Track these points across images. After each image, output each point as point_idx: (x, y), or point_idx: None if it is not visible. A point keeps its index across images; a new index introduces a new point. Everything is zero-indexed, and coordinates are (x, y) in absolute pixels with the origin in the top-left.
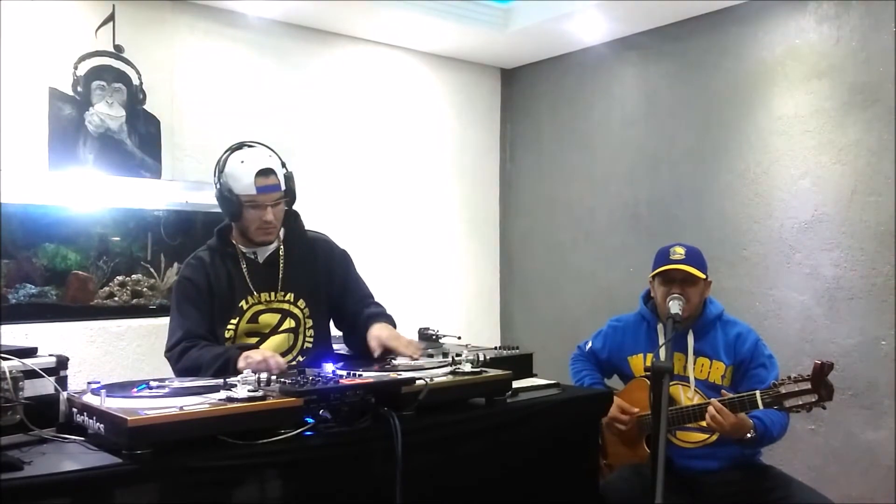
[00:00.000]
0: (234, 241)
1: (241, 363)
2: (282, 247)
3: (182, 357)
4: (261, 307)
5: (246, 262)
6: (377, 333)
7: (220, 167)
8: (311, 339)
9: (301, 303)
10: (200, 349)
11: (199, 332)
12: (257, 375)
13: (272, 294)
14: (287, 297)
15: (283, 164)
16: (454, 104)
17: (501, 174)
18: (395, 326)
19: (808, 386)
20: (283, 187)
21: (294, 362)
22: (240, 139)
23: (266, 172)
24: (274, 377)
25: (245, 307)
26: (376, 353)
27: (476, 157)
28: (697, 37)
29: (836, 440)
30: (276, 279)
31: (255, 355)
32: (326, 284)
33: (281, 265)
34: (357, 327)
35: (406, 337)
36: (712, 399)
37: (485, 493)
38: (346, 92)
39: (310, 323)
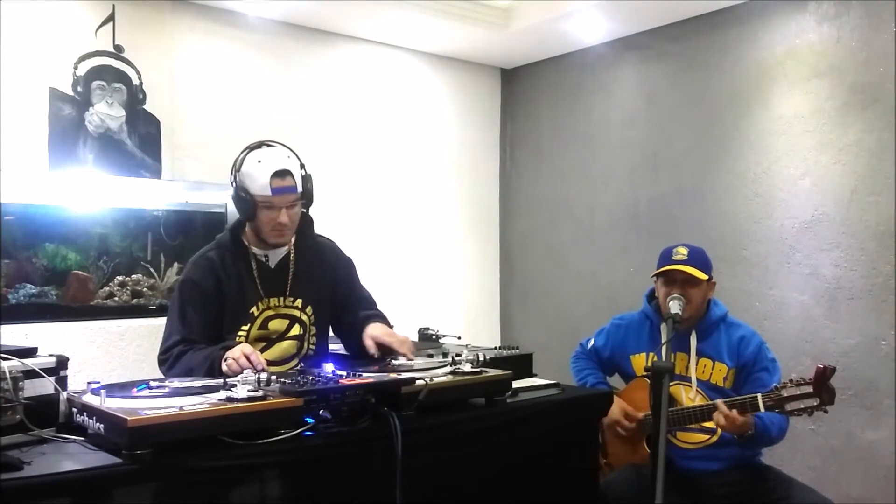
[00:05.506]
0: (245, 242)
1: (224, 368)
2: (293, 251)
3: (177, 362)
4: (270, 312)
5: (257, 264)
6: (371, 332)
7: (238, 166)
8: (314, 346)
9: (309, 309)
10: (194, 352)
11: (196, 338)
12: (257, 375)
13: (281, 299)
14: (295, 303)
15: (302, 166)
16: (454, 104)
17: (501, 174)
18: (390, 326)
19: (809, 389)
20: (299, 189)
21: (296, 368)
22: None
23: (283, 174)
24: (274, 377)
25: (256, 313)
26: (372, 352)
27: (476, 157)
28: (697, 37)
29: (836, 440)
30: (285, 284)
31: (233, 357)
32: (331, 292)
33: (291, 270)
34: (355, 330)
35: (400, 335)
36: (717, 401)
37: (485, 493)
38: (346, 92)
39: (314, 330)
